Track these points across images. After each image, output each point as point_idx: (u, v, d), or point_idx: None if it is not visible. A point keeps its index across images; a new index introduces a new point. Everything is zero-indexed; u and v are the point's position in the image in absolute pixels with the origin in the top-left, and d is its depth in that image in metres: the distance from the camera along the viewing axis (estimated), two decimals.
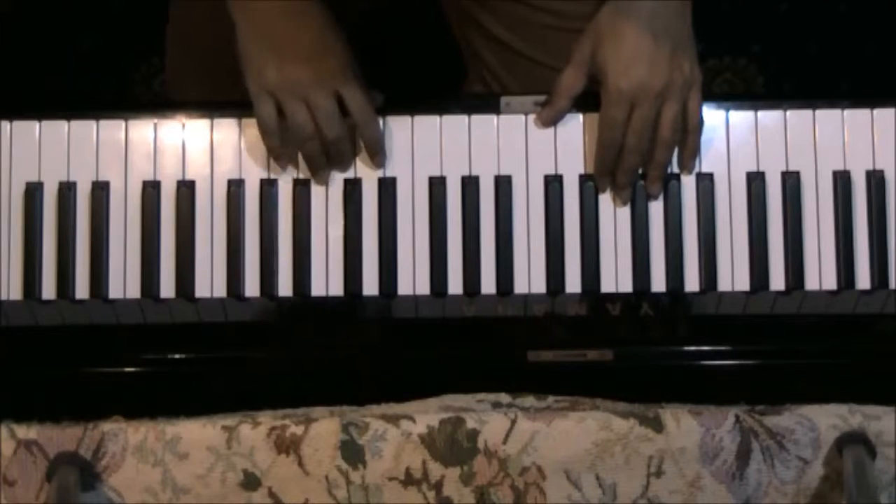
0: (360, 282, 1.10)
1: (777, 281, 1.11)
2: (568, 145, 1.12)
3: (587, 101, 1.10)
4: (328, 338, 1.14)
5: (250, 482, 0.97)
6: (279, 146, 1.10)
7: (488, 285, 1.11)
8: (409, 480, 0.97)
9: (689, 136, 1.10)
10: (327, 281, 1.11)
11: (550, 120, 1.11)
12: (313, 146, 1.09)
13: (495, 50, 1.22)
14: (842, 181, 1.11)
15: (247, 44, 1.07)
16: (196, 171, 1.12)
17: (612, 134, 1.09)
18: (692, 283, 1.11)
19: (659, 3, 1.08)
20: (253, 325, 1.12)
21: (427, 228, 1.11)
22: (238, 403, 1.02)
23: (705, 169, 1.12)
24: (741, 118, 1.12)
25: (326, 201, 1.11)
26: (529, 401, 1.02)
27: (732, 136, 1.12)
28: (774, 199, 1.11)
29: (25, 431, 0.97)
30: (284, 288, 1.11)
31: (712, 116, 1.12)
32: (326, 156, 1.10)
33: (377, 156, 1.11)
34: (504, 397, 1.03)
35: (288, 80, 1.07)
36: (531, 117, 1.12)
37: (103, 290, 1.10)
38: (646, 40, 1.07)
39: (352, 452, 0.97)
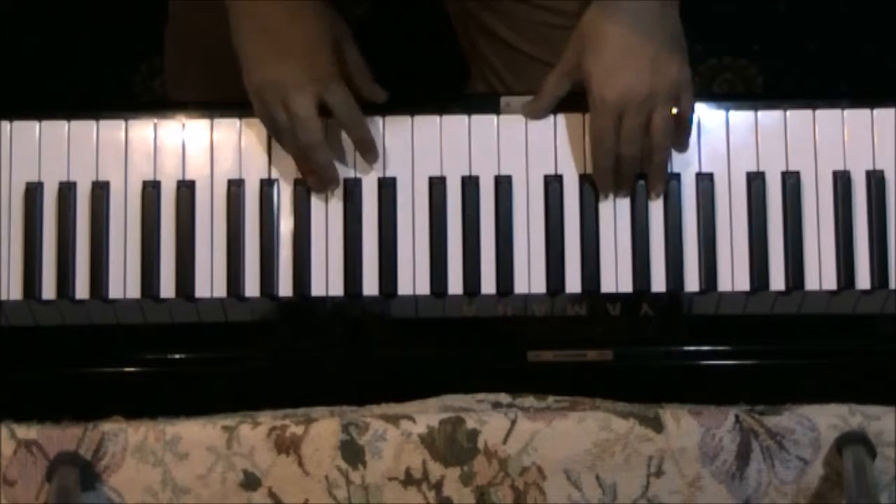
0: (360, 282, 1.10)
1: (777, 281, 1.11)
2: (568, 145, 1.12)
3: (587, 101, 1.10)
4: (328, 338, 1.14)
5: (250, 482, 0.97)
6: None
7: (488, 285, 1.11)
8: (409, 480, 0.97)
9: (680, 132, 1.09)
10: (327, 281, 1.11)
11: (534, 115, 1.11)
12: (293, 149, 1.09)
13: (498, 49, 1.22)
14: (842, 181, 1.11)
15: (238, 42, 1.07)
16: (196, 171, 1.12)
17: (604, 144, 1.08)
18: (692, 283, 1.11)
19: (641, 5, 1.06)
20: (253, 325, 1.12)
21: (427, 228, 1.11)
22: (238, 403, 1.02)
23: (705, 169, 1.12)
24: (741, 118, 1.12)
25: (326, 201, 1.11)
26: (529, 401, 1.02)
27: (732, 136, 1.12)
28: (774, 199, 1.11)
29: (25, 431, 0.97)
30: (284, 288, 1.11)
31: (712, 116, 1.12)
32: (305, 163, 1.10)
33: (369, 155, 1.10)
34: (504, 397, 1.03)
35: (268, 81, 1.06)
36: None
37: (103, 290, 1.10)
38: (628, 46, 1.05)
39: (352, 452, 0.97)
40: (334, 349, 1.14)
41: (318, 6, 1.08)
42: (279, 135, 1.08)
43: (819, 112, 1.12)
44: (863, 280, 1.11)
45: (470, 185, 1.11)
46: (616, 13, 1.06)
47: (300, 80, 1.06)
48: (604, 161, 1.09)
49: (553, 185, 1.11)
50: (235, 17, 1.07)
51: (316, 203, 1.11)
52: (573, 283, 1.11)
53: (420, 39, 1.52)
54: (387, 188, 1.11)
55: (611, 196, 1.11)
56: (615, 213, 1.11)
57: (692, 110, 1.09)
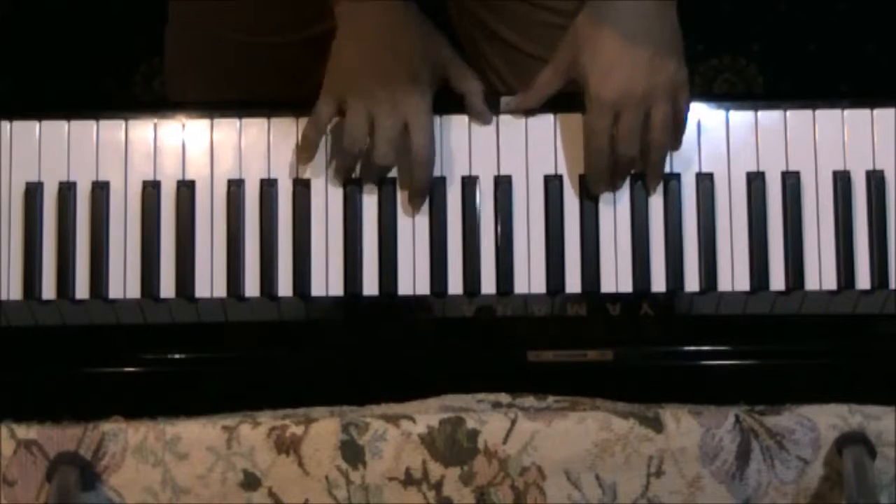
0: (360, 282, 1.10)
1: (777, 281, 1.11)
2: (568, 145, 1.12)
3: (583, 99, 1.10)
4: (328, 338, 1.14)
5: (250, 482, 0.97)
6: (313, 143, 1.09)
7: (488, 285, 1.11)
8: (409, 480, 0.97)
9: (675, 131, 1.09)
10: (327, 281, 1.11)
11: (520, 109, 1.11)
12: (352, 162, 1.09)
13: (499, 49, 1.22)
14: (842, 181, 1.11)
15: (342, 44, 1.08)
16: (196, 171, 1.12)
17: (600, 142, 1.08)
18: (692, 283, 1.11)
19: (638, 4, 1.06)
20: (253, 325, 1.12)
21: (427, 228, 1.11)
22: (238, 403, 1.02)
23: (705, 169, 1.12)
24: (741, 118, 1.12)
25: (326, 201, 1.11)
26: (529, 401, 1.02)
27: (732, 136, 1.12)
28: (774, 199, 1.11)
29: (25, 431, 0.97)
30: (284, 288, 1.11)
31: (712, 116, 1.12)
32: (365, 169, 1.10)
33: (416, 199, 1.10)
34: (504, 397, 1.03)
35: (363, 91, 1.06)
36: (532, 117, 1.12)
37: (103, 290, 1.10)
38: (625, 45, 1.05)
39: (352, 452, 0.97)
40: (334, 349, 1.14)
41: (430, 35, 1.09)
42: (346, 140, 1.08)
43: (819, 112, 1.12)
44: (863, 280, 1.11)
45: (470, 185, 1.11)
46: (614, 11, 1.06)
47: (396, 100, 1.06)
48: (598, 160, 1.09)
49: (553, 185, 1.11)
50: (345, 23, 1.07)
51: (316, 203, 1.11)
52: (573, 283, 1.11)
53: None
54: (387, 188, 1.11)
55: (610, 196, 1.11)
56: (615, 213, 1.11)
57: (688, 110, 1.09)
